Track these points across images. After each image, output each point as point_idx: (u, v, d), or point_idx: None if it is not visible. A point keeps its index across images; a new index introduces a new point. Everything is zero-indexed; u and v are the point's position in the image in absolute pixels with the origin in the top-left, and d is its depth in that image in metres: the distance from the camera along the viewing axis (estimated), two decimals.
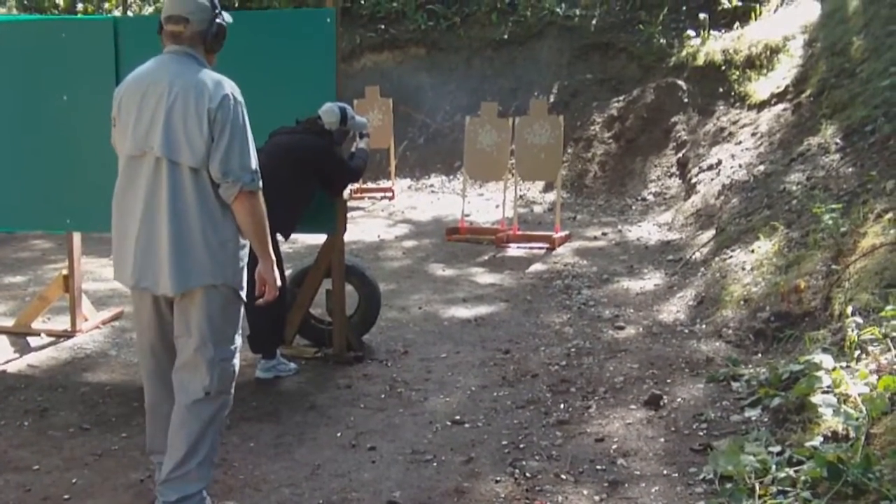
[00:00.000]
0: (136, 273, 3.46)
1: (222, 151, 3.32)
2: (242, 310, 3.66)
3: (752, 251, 6.78)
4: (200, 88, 3.34)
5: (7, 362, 5.66)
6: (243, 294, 3.60)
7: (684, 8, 13.51)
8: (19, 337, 6.15)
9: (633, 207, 11.25)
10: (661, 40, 13.12)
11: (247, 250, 3.61)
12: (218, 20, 3.56)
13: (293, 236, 5.61)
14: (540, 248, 9.29)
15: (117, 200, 3.54)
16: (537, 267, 8.51)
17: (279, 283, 3.68)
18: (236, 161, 3.34)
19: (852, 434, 3.71)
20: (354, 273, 5.92)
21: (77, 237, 6.17)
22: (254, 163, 3.42)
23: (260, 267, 3.60)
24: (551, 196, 11.79)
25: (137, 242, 3.43)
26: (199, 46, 3.50)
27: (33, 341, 6.08)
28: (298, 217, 5.37)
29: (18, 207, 5.80)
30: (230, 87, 3.41)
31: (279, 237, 5.35)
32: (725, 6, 12.91)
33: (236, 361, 3.61)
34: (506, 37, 14.65)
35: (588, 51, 13.93)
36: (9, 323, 6.38)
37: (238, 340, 3.63)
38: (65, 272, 6.15)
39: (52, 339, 6.11)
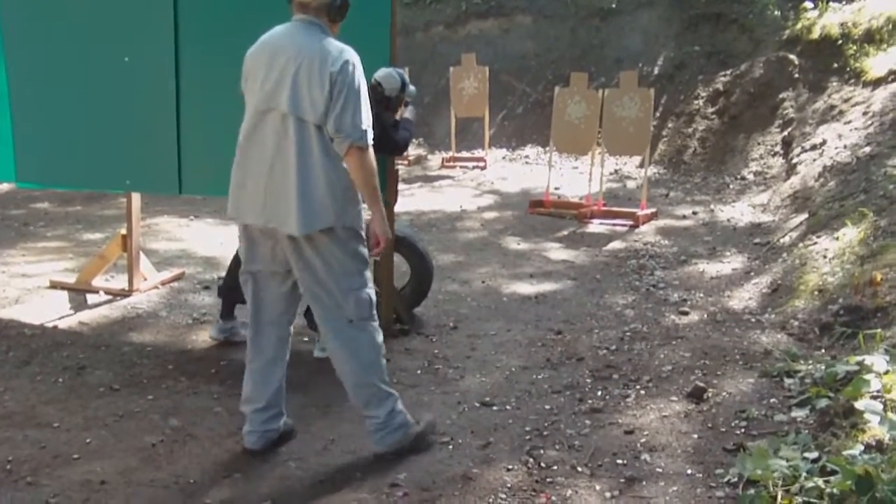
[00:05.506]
0: (264, 213, 3.76)
1: (338, 110, 3.62)
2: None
3: (837, 238, 6.34)
4: (325, 55, 3.64)
5: (61, 318, 5.75)
6: (363, 234, 3.89)
7: None
8: (80, 294, 6.25)
9: (731, 186, 10.74)
10: (776, 12, 12.46)
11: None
12: None
13: None
14: (623, 225, 8.96)
15: (242, 146, 3.84)
16: (615, 245, 8.21)
17: (389, 234, 3.94)
18: (349, 119, 3.63)
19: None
20: (405, 244, 5.76)
21: (136, 197, 6.24)
22: (365, 122, 3.68)
23: (370, 219, 3.87)
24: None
25: (267, 187, 3.74)
26: (323, 16, 3.79)
27: (91, 299, 6.17)
28: None
29: (80, 166, 5.88)
30: (350, 55, 3.70)
31: None
32: None
33: (369, 291, 3.86)
34: (614, 5, 14.22)
35: (698, 21, 13.36)
36: (72, 279, 6.50)
37: (368, 275, 3.87)
38: (123, 232, 6.23)
39: (110, 297, 6.20)
